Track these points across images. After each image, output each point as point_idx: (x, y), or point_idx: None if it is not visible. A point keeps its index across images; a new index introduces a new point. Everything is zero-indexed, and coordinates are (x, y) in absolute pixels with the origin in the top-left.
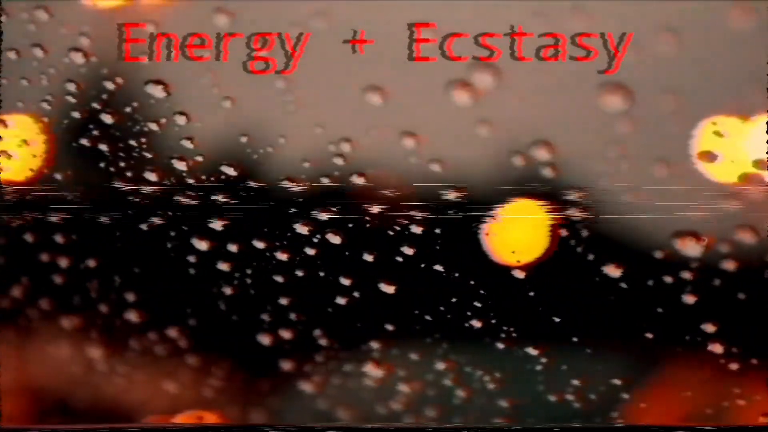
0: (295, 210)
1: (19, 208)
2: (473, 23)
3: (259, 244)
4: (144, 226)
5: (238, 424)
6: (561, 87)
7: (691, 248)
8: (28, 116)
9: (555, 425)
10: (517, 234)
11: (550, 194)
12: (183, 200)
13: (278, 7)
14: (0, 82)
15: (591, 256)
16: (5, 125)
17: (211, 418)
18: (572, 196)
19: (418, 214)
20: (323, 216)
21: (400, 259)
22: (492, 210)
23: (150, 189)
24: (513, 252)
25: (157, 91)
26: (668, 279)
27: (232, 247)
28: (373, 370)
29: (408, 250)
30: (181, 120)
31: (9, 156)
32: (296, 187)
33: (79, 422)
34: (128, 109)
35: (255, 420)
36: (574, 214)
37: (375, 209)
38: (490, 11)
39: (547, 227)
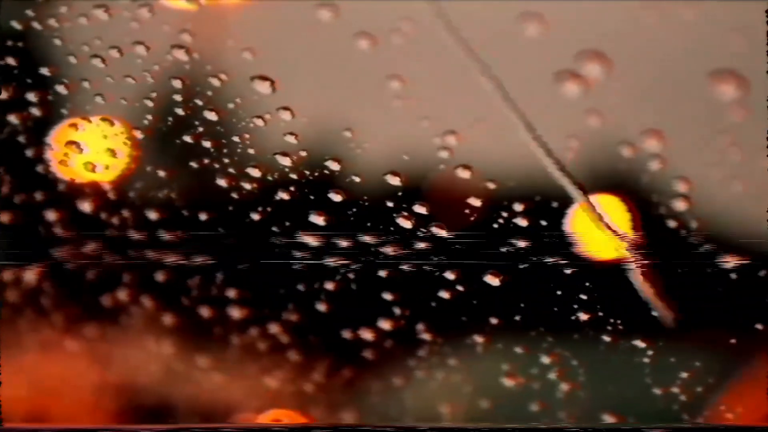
0: (399, 204)
1: (121, 206)
2: (582, 14)
3: (364, 239)
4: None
5: (331, 424)
6: (671, 76)
7: None
8: (132, 114)
9: (662, 425)
10: (624, 226)
11: (658, 184)
12: (286, 196)
13: (383, 2)
14: None
15: (703, 248)
16: (111, 123)
17: (305, 416)
18: (681, 186)
19: (521, 206)
20: (424, 210)
21: (504, 250)
22: (599, 201)
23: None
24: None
25: (264, 88)
26: None
27: (338, 242)
28: (477, 365)
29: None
30: (285, 115)
31: (114, 154)
32: (400, 181)
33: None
34: (231, 106)
35: (353, 418)
36: (683, 204)
37: (479, 202)
38: (598, 2)
39: (653, 218)
